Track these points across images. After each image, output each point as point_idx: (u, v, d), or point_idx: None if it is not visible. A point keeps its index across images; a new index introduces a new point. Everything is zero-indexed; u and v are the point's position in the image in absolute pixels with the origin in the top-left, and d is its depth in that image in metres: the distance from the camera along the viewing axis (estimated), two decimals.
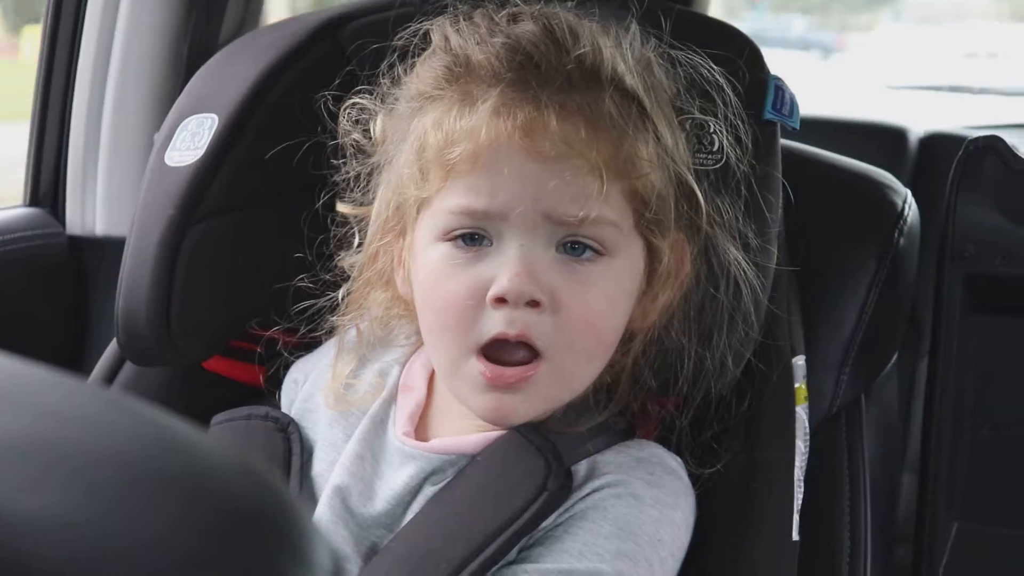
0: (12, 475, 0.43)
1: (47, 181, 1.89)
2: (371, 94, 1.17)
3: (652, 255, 1.09)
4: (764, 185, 1.17)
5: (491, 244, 1.05)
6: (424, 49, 1.14)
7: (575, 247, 1.05)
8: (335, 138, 1.19)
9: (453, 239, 1.06)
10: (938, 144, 2.53)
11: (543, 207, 1.03)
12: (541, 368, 1.05)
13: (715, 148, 1.15)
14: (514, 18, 1.09)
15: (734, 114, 1.15)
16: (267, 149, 1.25)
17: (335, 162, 1.18)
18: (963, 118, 3.03)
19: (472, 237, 1.05)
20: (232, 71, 1.32)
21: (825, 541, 1.23)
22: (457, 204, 1.05)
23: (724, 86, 1.15)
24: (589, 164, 1.02)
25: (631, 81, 1.07)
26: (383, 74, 1.16)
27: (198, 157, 1.25)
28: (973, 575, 1.40)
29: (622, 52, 1.08)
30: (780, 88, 1.22)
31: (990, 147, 1.39)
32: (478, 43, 1.06)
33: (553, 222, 1.03)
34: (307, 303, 1.19)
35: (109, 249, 1.82)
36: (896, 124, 2.64)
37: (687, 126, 1.13)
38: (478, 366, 1.05)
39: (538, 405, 1.07)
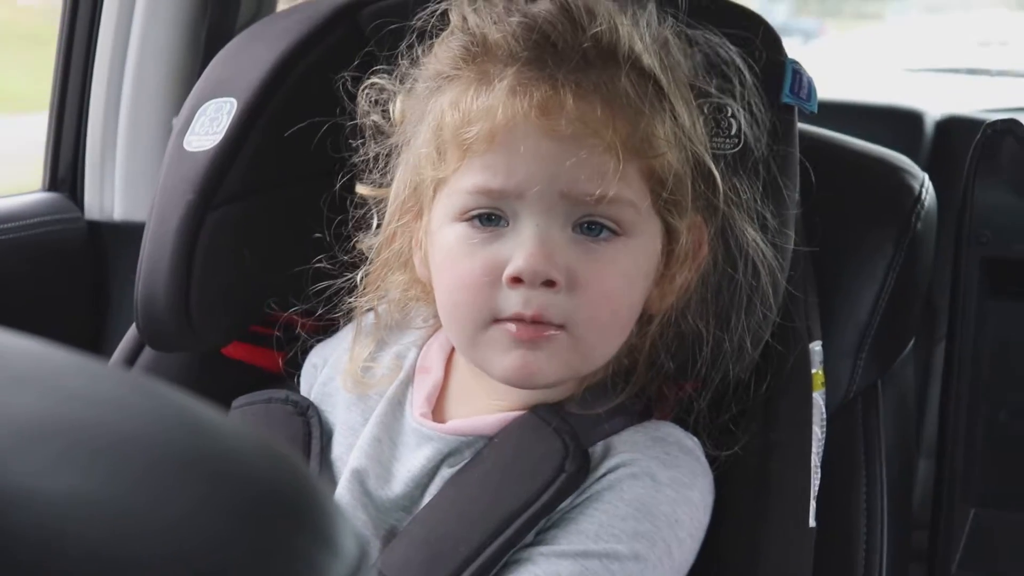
0: (37, 455, 0.43)
1: (66, 166, 1.89)
2: (390, 75, 1.17)
3: (670, 236, 1.09)
4: (782, 168, 1.17)
5: (507, 224, 1.05)
6: (443, 29, 1.14)
7: (592, 227, 1.05)
8: (354, 120, 1.19)
9: (469, 219, 1.06)
10: (954, 127, 2.52)
11: (560, 186, 1.03)
12: (558, 335, 1.05)
13: (733, 132, 1.15)
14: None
15: (752, 97, 1.15)
16: (286, 133, 1.25)
17: (354, 143, 1.18)
18: (980, 101, 3.01)
19: (489, 217, 1.06)
20: (251, 55, 1.32)
21: (841, 527, 1.23)
22: (474, 183, 1.05)
23: (742, 69, 1.15)
24: (606, 143, 1.02)
25: (648, 60, 1.07)
26: (402, 55, 1.16)
27: (217, 141, 1.25)
28: (991, 561, 1.40)
29: (639, 31, 1.08)
30: (798, 72, 1.22)
31: (1008, 130, 1.39)
32: (495, 22, 1.06)
33: (570, 201, 1.03)
34: (325, 283, 1.20)
35: (127, 234, 1.83)
36: (912, 107, 2.63)
37: (706, 108, 1.13)
38: (502, 326, 1.05)
39: (560, 369, 1.07)
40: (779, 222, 1.15)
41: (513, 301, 1.04)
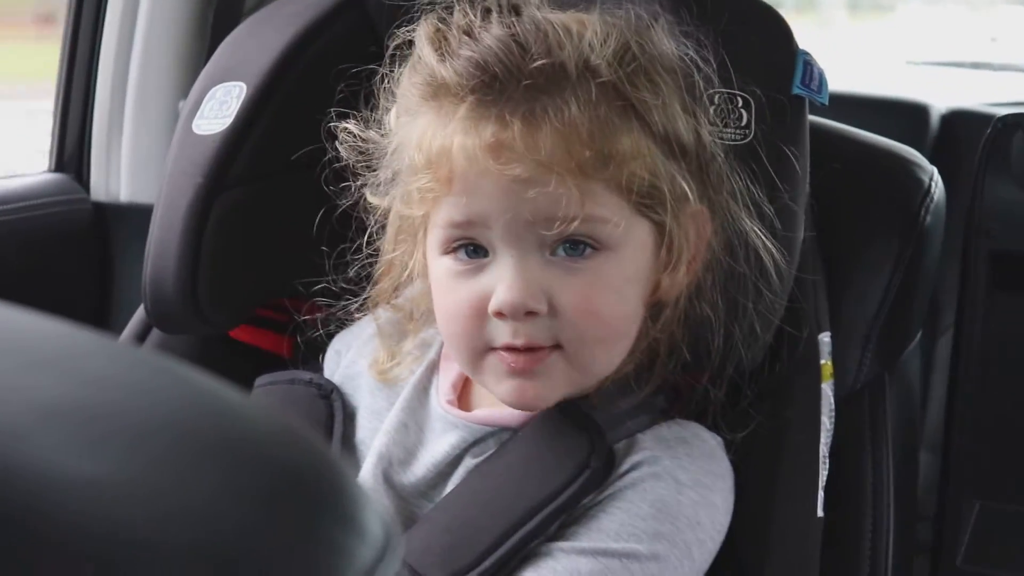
0: (61, 437, 0.43)
1: (72, 147, 1.89)
2: (364, 108, 1.16)
3: (660, 230, 1.08)
4: (791, 159, 1.16)
5: (489, 256, 1.05)
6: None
7: (572, 247, 1.04)
8: (364, 106, 1.18)
9: (453, 251, 1.06)
10: (960, 121, 2.52)
11: (524, 217, 1.02)
12: (555, 355, 1.05)
13: (743, 123, 1.15)
14: (486, 16, 1.06)
15: (762, 88, 1.15)
16: (295, 118, 1.25)
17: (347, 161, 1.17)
18: (985, 95, 3.01)
19: (474, 249, 1.06)
20: (260, 39, 1.32)
21: (848, 517, 1.23)
22: (444, 218, 1.05)
23: (753, 60, 1.14)
24: (560, 174, 1.01)
25: (606, 71, 1.04)
26: (388, 71, 1.14)
27: (226, 125, 1.25)
28: (996, 553, 1.40)
29: (593, 40, 1.05)
30: (809, 63, 1.21)
31: (1018, 125, 1.39)
32: (444, 59, 1.05)
33: (539, 230, 1.03)
34: (330, 279, 1.19)
35: (133, 215, 1.83)
36: (918, 100, 2.63)
37: (715, 99, 1.13)
38: (498, 354, 1.05)
39: (561, 389, 1.07)
40: (789, 213, 1.14)
41: (502, 332, 1.04)
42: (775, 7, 1.25)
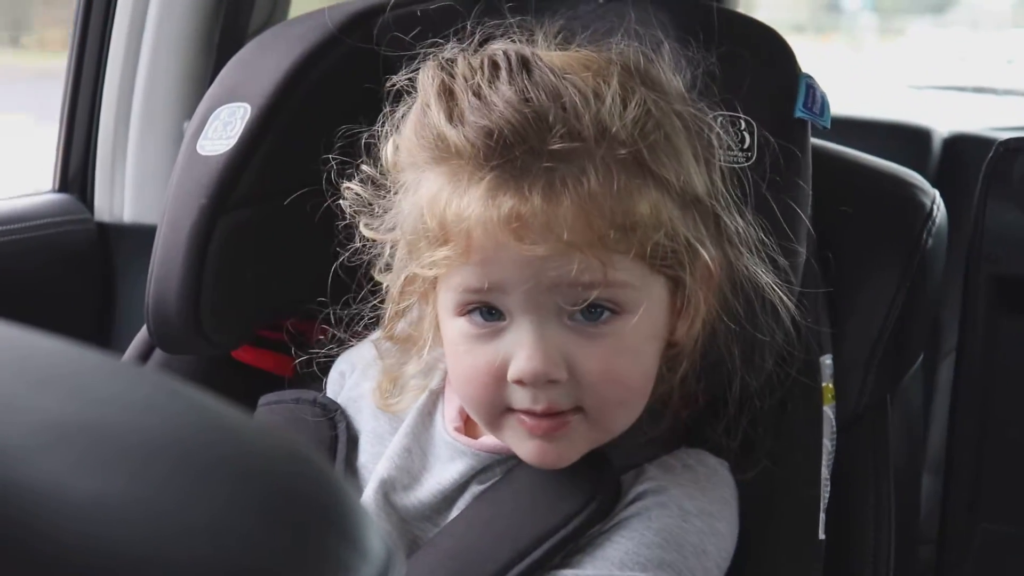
0: (65, 456, 0.43)
1: (76, 167, 1.90)
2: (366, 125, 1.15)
3: (676, 283, 1.07)
4: (794, 184, 1.17)
5: (506, 319, 1.03)
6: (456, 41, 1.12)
7: (592, 311, 1.02)
8: (369, 127, 1.19)
9: (468, 313, 1.05)
10: (962, 145, 2.53)
11: (545, 285, 1.00)
12: (576, 418, 1.04)
13: (746, 145, 1.15)
14: (495, 71, 1.02)
15: (764, 111, 1.15)
16: (299, 139, 1.25)
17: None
18: (987, 119, 3.02)
19: (490, 311, 1.03)
20: (265, 61, 1.32)
21: (849, 540, 1.23)
22: (459, 283, 1.03)
23: (755, 83, 1.15)
24: (582, 249, 0.99)
25: (626, 140, 1.01)
26: (390, 97, 1.13)
27: (230, 146, 1.25)
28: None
29: (611, 108, 1.02)
30: (811, 86, 1.22)
31: (1021, 149, 1.39)
32: (454, 123, 1.01)
33: (559, 297, 1.01)
34: (335, 305, 1.19)
35: (137, 236, 1.83)
36: (920, 124, 2.63)
37: (718, 122, 1.13)
38: (518, 416, 1.04)
39: (582, 448, 1.06)
40: (790, 239, 1.14)
41: (521, 397, 1.03)
42: (798, 30, 1.25)
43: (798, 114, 1.19)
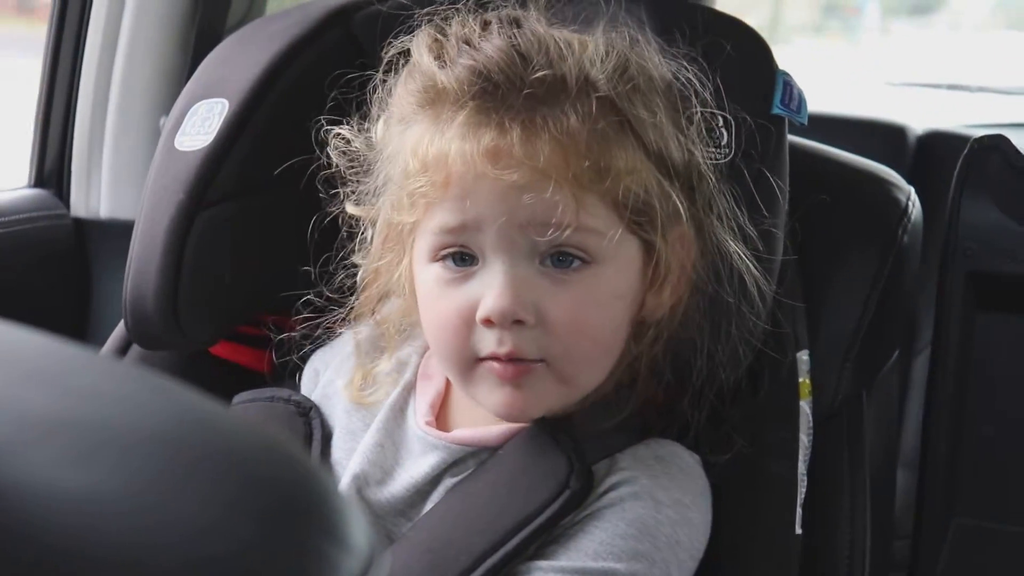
0: (52, 451, 0.43)
1: (52, 162, 1.89)
2: (355, 115, 1.18)
3: (648, 251, 1.09)
4: (770, 180, 1.17)
5: (478, 263, 1.06)
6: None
7: (562, 258, 1.05)
8: (343, 126, 1.19)
9: (442, 259, 1.07)
10: (937, 142, 2.54)
11: (518, 221, 1.03)
12: (539, 367, 1.06)
13: (723, 142, 1.16)
14: (486, 27, 1.08)
15: (741, 108, 1.16)
16: (278, 135, 1.26)
17: (337, 167, 1.18)
18: (962, 116, 3.03)
19: (462, 257, 1.06)
20: (243, 56, 1.32)
21: (825, 535, 1.24)
22: (437, 224, 1.06)
23: (733, 80, 1.15)
24: (557, 182, 1.02)
25: (605, 86, 1.06)
26: (380, 82, 1.15)
27: (208, 142, 1.25)
28: (974, 571, 1.41)
29: (593, 55, 1.07)
30: (788, 83, 1.23)
31: (995, 146, 1.40)
32: (444, 66, 1.06)
33: (531, 235, 1.04)
34: (310, 294, 1.20)
35: (113, 232, 1.83)
36: (896, 122, 2.64)
37: (695, 119, 1.14)
38: (486, 364, 1.06)
39: (547, 401, 1.08)
40: (767, 234, 1.15)
41: (488, 341, 1.05)
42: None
43: (775, 111, 1.20)
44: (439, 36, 1.09)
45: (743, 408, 1.15)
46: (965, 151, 1.42)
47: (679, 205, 1.08)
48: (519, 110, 1.03)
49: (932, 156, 2.50)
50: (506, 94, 1.04)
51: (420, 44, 1.10)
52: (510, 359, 1.05)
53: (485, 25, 1.08)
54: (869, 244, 1.29)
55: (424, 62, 1.08)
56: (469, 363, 1.07)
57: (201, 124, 1.27)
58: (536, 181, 1.02)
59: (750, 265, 1.12)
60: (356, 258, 1.18)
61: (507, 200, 1.03)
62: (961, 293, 1.41)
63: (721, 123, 1.16)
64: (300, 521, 0.44)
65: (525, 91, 1.03)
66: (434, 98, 1.06)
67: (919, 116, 2.73)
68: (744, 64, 1.20)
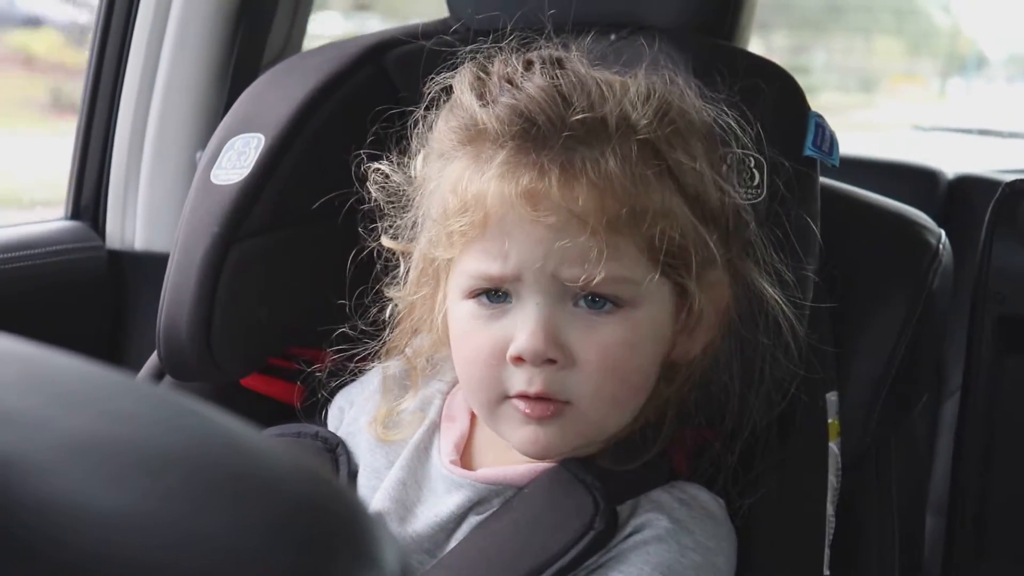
0: (86, 472, 0.44)
1: (89, 195, 1.91)
2: (395, 149, 1.18)
3: (683, 295, 1.09)
4: (803, 221, 1.17)
5: (512, 301, 1.06)
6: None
7: (595, 300, 1.05)
8: (379, 159, 1.20)
9: (476, 296, 1.08)
10: (968, 186, 2.53)
11: (551, 268, 1.03)
12: (567, 407, 1.06)
13: (755, 183, 1.16)
14: (528, 67, 1.08)
15: (774, 150, 1.16)
16: (312, 169, 1.27)
17: (377, 203, 1.18)
18: (993, 161, 3.03)
19: (496, 293, 1.07)
20: (278, 92, 1.34)
21: None
22: (474, 267, 1.07)
23: (765, 121, 1.16)
24: (591, 228, 1.02)
25: (645, 129, 1.06)
26: (421, 117, 1.16)
27: (244, 176, 1.27)
28: None
29: (635, 98, 1.07)
30: (820, 125, 1.23)
31: None
32: (485, 104, 1.07)
33: (564, 280, 1.04)
34: (345, 327, 1.20)
35: (148, 264, 1.84)
36: (927, 166, 2.64)
37: (729, 159, 1.14)
38: (513, 403, 1.06)
39: (573, 440, 1.08)
40: (799, 276, 1.15)
41: (518, 379, 1.05)
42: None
43: (807, 152, 1.20)
44: (482, 74, 1.10)
45: (773, 451, 1.15)
46: (996, 195, 1.41)
47: (714, 250, 1.08)
48: (559, 151, 1.03)
49: (963, 200, 2.50)
50: (547, 135, 1.04)
51: (463, 81, 1.10)
52: (539, 398, 1.05)
53: (528, 65, 1.09)
54: (900, 287, 1.29)
55: (466, 99, 1.08)
56: (497, 399, 1.07)
57: (237, 158, 1.29)
58: (572, 225, 1.02)
59: (784, 309, 1.12)
60: (390, 291, 1.19)
61: (543, 243, 1.03)
62: (991, 337, 1.41)
63: (753, 164, 1.16)
64: (331, 542, 0.45)
65: (565, 133, 1.03)
66: (474, 136, 1.07)
67: (949, 160, 2.73)
68: (778, 106, 1.21)
